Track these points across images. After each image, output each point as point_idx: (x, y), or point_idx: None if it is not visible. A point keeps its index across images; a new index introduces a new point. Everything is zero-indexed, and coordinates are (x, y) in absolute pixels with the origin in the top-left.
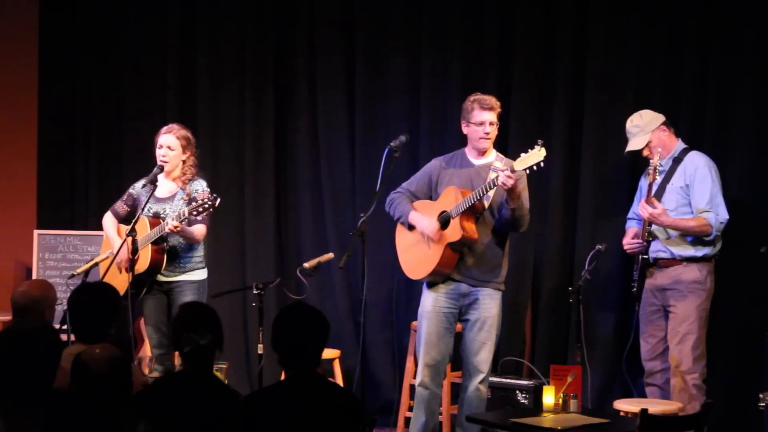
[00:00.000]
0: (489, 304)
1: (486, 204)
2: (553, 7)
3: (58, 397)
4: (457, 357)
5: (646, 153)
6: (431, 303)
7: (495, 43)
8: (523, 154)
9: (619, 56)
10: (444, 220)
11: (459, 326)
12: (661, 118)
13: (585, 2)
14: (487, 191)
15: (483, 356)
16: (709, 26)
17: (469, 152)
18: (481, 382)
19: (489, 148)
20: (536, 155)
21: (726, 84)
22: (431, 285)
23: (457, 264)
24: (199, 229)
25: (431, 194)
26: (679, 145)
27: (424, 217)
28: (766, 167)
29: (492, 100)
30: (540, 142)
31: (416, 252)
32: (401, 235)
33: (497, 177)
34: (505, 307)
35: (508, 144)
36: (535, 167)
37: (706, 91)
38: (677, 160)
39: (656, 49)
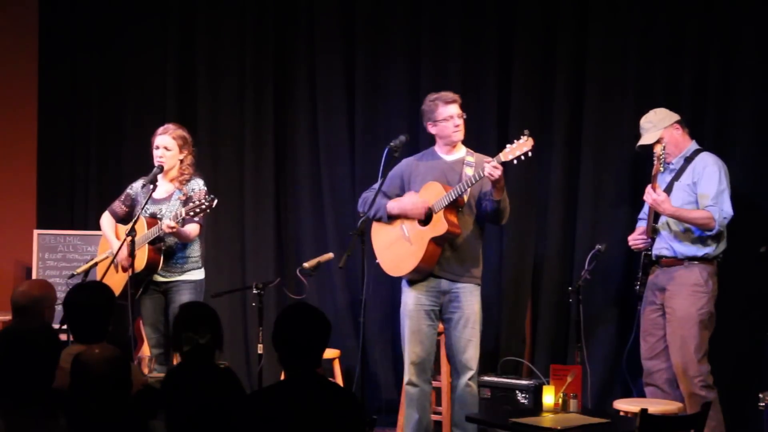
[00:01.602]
0: (470, 301)
1: (465, 198)
2: (553, 7)
3: (58, 397)
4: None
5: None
6: (413, 301)
7: (495, 43)
8: (509, 145)
9: (619, 56)
10: (426, 216)
11: (440, 327)
12: (674, 116)
13: (585, 2)
14: (470, 185)
15: (470, 353)
16: (708, 26)
17: (439, 149)
18: (470, 379)
19: (460, 141)
20: (523, 145)
21: (726, 84)
22: (412, 283)
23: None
24: (192, 229)
25: (402, 194)
26: (693, 145)
27: (402, 199)
28: (766, 167)
29: (451, 94)
30: (526, 132)
31: (397, 249)
32: (379, 233)
33: (483, 169)
34: (505, 307)
35: (508, 143)
36: (522, 157)
37: (706, 91)
38: (688, 160)
39: (656, 50)
